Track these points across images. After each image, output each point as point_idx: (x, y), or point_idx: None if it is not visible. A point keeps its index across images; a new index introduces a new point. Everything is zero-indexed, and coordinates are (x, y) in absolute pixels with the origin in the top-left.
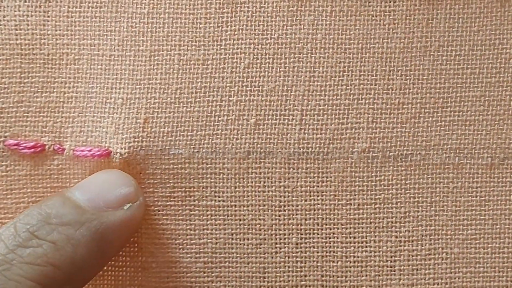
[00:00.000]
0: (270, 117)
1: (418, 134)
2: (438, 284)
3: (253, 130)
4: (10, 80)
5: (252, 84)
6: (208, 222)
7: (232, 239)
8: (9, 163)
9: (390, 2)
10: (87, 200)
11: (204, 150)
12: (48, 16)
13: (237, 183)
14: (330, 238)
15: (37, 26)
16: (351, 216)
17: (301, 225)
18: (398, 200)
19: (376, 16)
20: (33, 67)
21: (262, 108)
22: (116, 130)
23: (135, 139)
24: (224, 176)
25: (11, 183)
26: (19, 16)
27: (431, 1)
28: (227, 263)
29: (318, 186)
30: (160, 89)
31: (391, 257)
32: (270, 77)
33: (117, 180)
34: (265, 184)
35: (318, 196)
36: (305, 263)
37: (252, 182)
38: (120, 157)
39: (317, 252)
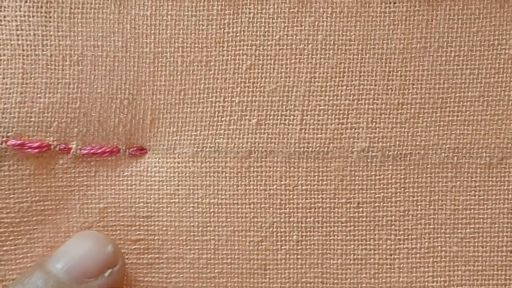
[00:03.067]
0: (271, 117)
1: (417, 134)
2: (437, 282)
3: (255, 130)
4: (11, 81)
5: (254, 85)
6: (211, 220)
7: (234, 236)
8: (11, 162)
9: (390, 3)
10: (67, 273)
11: (207, 149)
12: (50, 17)
13: (239, 182)
14: (330, 236)
15: (38, 27)
16: (351, 215)
17: (301, 223)
18: (398, 199)
19: (376, 17)
20: (35, 67)
21: (264, 108)
22: (124, 130)
23: (143, 139)
24: (227, 174)
25: (14, 183)
26: (20, 17)
27: (431, 2)
28: (229, 259)
29: (318, 185)
30: (164, 90)
31: (391, 255)
32: (271, 78)
33: (95, 247)
34: (266, 182)
35: (318, 194)
36: (305, 260)
37: (253, 181)
38: (129, 155)
39: (317, 250)
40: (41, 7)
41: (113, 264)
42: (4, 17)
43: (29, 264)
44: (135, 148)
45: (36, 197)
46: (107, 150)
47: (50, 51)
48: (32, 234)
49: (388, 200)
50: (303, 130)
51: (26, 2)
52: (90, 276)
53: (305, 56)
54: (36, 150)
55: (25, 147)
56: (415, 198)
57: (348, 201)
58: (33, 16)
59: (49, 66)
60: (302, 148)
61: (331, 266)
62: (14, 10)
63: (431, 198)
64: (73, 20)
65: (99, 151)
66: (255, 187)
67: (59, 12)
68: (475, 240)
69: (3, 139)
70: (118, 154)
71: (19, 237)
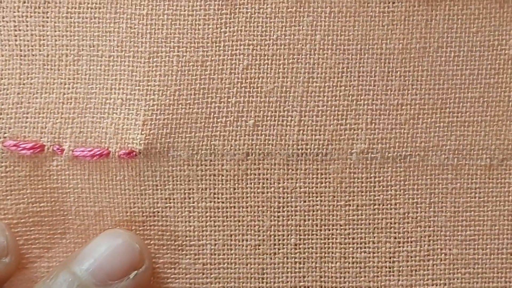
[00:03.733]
0: (268, 118)
1: (417, 135)
2: (436, 285)
3: (252, 131)
4: (9, 81)
5: (251, 85)
6: (207, 224)
7: (231, 240)
8: (8, 163)
9: (389, 3)
10: (91, 275)
11: (203, 152)
12: (47, 17)
13: (236, 185)
14: (329, 239)
15: (36, 27)
16: (350, 217)
17: (300, 226)
18: (397, 201)
19: (375, 17)
20: (32, 68)
21: (261, 109)
22: (116, 131)
23: (134, 140)
24: (223, 177)
25: (11, 184)
26: (18, 17)
27: (430, 2)
28: (226, 264)
29: (317, 187)
30: (159, 91)
31: (390, 258)
32: (269, 78)
33: (121, 248)
34: (264, 185)
35: (317, 197)
36: (304, 264)
37: (251, 183)
38: (119, 158)
39: (316, 253)
40: (39, 7)
41: (139, 265)
42: (3, 17)
43: (27, 265)
44: (124, 152)
45: (32, 198)
46: (97, 153)
47: (46, 51)
48: (29, 235)
49: (388, 202)
50: (301, 132)
51: (24, 2)
52: (114, 278)
53: (303, 56)
54: (30, 151)
55: (20, 148)
56: (415, 200)
57: (347, 203)
58: (30, 16)
59: (45, 66)
60: (300, 150)
61: (329, 270)
62: (12, 11)
63: (431, 200)
64: (70, 19)
65: (89, 153)
66: (252, 190)
67: (56, 12)
68: (475, 242)
69: (0, 140)
70: (108, 157)
71: (16, 238)
